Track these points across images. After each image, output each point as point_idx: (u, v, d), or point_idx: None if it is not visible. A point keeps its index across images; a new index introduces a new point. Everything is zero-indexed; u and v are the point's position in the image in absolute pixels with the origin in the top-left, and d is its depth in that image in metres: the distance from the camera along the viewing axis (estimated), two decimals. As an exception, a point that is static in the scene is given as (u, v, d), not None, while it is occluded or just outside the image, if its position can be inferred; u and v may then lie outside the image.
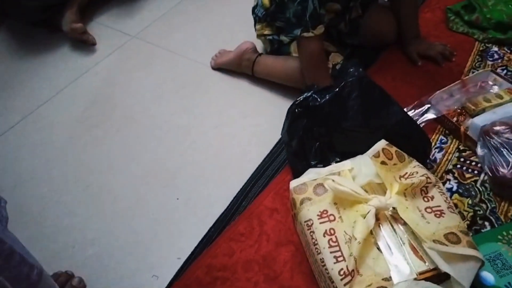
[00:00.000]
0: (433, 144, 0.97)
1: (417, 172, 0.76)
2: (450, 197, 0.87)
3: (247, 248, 0.81)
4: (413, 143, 0.85)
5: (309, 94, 0.84)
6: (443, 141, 0.98)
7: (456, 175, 0.91)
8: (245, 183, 0.95)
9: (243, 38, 1.27)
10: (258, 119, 1.13)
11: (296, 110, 0.84)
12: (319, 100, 0.82)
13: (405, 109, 1.00)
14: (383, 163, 0.76)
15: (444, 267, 0.61)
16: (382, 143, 0.79)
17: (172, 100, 1.22)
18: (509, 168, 0.83)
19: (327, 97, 0.81)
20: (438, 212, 0.71)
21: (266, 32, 1.16)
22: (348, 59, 1.10)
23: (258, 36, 1.21)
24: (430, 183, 0.75)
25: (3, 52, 1.44)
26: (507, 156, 0.84)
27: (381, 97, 0.83)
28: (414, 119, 0.99)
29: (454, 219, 0.70)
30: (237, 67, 1.23)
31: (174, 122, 1.15)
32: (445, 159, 0.94)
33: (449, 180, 0.90)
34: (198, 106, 1.20)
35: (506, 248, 0.75)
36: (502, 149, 0.85)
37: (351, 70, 0.83)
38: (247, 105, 1.19)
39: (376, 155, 0.76)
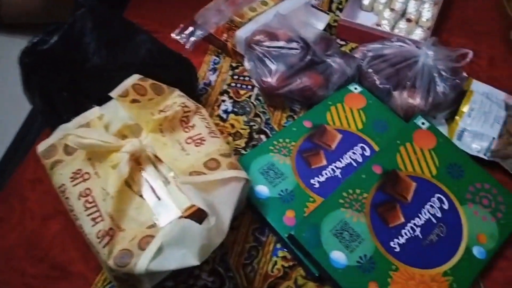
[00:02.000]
0: (206, 66, 0.93)
1: (175, 103, 0.71)
2: (227, 118, 0.85)
3: (8, 234, 0.69)
4: (173, 71, 0.78)
5: (38, 38, 0.70)
6: (216, 61, 0.94)
7: (231, 94, 0.89)
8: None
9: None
10: (14, 79, 0.95)
11: (25, 60, 0.70)
12: (49, 42, 0.69)
13: (172, 34, 0.94)
14: (134, 101, 0.68)
15: (195, 199, 0.58)
16: (132, 79, 0.70)
17: None
18: (272, 76, 0.83)
19: (55, 38, 0.68)
20: (199, 141, 0.67)
21: None
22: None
23: None
24: (190, 111, 0.70)
25: None
26: (269, 65, 0.83)
27: (123, 28, 0.73)
28: (183, 42, 0.93)
29: (215, 143, 0.67)
30: None
31: None
32: (219, 79, 0.91)
33: (224, 101, 0.87)
34: None
35: (277, 157, 0.76)
36: (264, 59, 0.83)
37: (80, 0, 0.70)
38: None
39: (124, 94, 0.68)
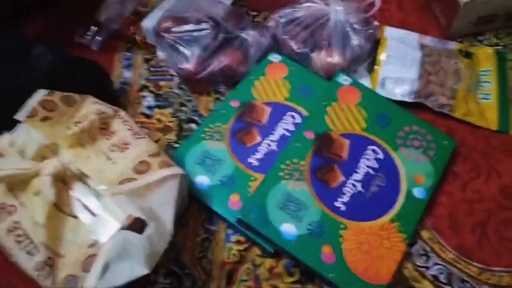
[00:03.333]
0: (119, 63, 0.88)
1: (91, 112, 0.67)
2: (152, 114, 0.81)
3: None
4: (82, 78, 0.74)
5: None
6: (127, 57, 0.89)
7: (151, 88, 0.85)
8: None
9: None
10: None
11: None
12: None
13: (76, 37, 0.88)
14: (45, 119, 0.64)
15: (130, 209, 0.56)
16: (38, 96, 0.65)
17: None
18: (189, 62, 0.80)
19: None
20: (124, 145, 0.64)
21: None
22: None
23: None
24: (108, 117, 0.67)
25: None
26: (183, 51, 0.80)
27: (16, 42, 0.68)
28: (88, 44, 0.87)
29: (141, 145, 0.64)
30: None
31: None
32: (136, 75, 0.86)
33: (145, 96, 0.83)
34: None
35: (211, 144, 0.74)
36: (177, 46, 0.80)
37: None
38: None
39: (32, 114, 0.63)
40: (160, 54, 0.83)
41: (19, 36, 0.69)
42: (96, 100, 0.69)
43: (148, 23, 0.84)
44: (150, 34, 0.85)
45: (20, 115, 0.61)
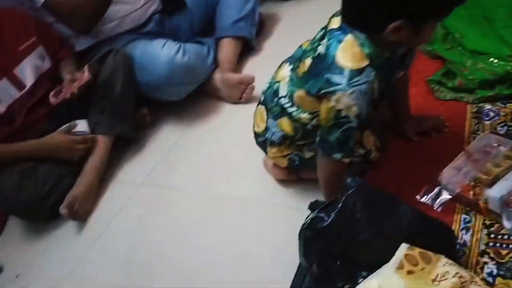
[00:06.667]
0: (457, 225, 0.93)
1: (448, 272, 0.72)
2: (494, 282, 0.81)
3: None
4: (434, 237, 0.81)
5: (315, 215, 0.83)
6: (466, 220, 0.94)
7: (492, 254, 0.85)
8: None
9: (244, 163, 1.31)
10: (277, 241, 1.10)
11: (306, 234, 0.83)
12: (325, 219, 0.81)
13: (417, 196, 0.98)
14: (409, 272, 0.72)
15: None
16: (402, 250, 0.76)
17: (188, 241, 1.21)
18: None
19: (333, 216, 0.80)
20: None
21: (285, 152, 1.11)
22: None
23: (274, 158, 1.16)
24: (465, 282, 0.70)
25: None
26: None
27: (386, 201, 0.81)
28: (429, 204, 0.96)
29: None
30: None
31: (197, 262, 1.14)
32: (475, 239, 0.89)
33: (486, 263, 0.84)
34: (213, 240, 1.18)
35: None
36: (530, 219, 0.81)
37: (349, 180, 0.82)
38: (265, 228, 1.16)
39: (400, 266, 0.72)
40: (506, 223, 0.84)
41: (388, 196, 0.83)
42: (450, 261, 0.75)
43: (494, 192, 0.88)
44: (494, 202, 0.88)
45: (392, 265, 0.72)
